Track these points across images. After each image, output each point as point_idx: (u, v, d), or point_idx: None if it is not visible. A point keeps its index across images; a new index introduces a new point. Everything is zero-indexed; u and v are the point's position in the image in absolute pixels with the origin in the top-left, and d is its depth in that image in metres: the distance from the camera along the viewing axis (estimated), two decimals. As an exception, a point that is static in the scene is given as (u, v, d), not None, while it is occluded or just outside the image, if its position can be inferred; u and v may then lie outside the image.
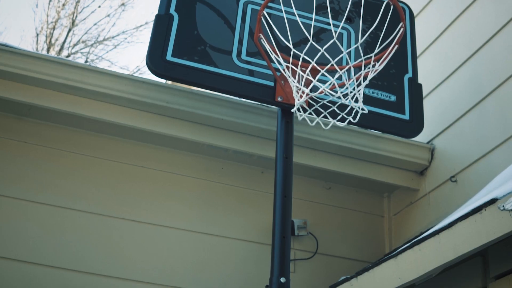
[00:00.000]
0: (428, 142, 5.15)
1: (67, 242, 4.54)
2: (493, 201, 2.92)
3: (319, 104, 4.04)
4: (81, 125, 4.77)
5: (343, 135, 4.95)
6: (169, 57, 4.21)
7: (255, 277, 4.73)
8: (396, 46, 3.98)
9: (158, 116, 4.73)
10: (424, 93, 4.91)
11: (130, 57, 34.37)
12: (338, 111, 3.97)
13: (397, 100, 4.57)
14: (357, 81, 3.95)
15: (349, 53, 4.45)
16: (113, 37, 19.46)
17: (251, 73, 4.32)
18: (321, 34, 4.54)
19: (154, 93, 4.66)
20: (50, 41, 18.29)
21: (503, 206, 2.84)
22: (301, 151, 4.85)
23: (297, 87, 3.89)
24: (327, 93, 3.87)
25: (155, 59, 4.19)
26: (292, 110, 3.97)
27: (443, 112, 5.08)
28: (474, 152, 4.72)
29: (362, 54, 3.88)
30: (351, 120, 3.97)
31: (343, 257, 5.05)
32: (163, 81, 4.97)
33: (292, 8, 4.07)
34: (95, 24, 19.89)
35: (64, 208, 4.61)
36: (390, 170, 5.16)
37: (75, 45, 18.92)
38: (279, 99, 4.15)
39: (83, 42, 19.05)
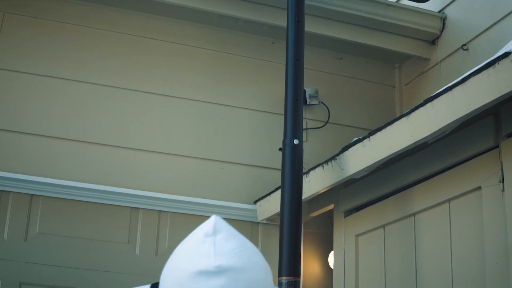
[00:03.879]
0: (439, 11, 5.09)
1: (79, 114, 4.59)
2: (506, 54, 2.90)
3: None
4: (90, -2, 4.75)
5: (355, 4, 4.89)
6: None
7: (268, 144, 4.79)
8: None
9: (167, -14, 4.68)
10: (436, -39, 4.84)
11: None
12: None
13: (409, -36, 4.51)
14: None
15: None
16: None
17: None
18: None
19: (162, -38, 4.60)
20: None
21: (517, 59, 2.83)
22: (313, 20, 4.80)
23: None
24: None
25: None
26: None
27: (455, -20, 5.01)
28: (486, 20, 4.67)
29: None
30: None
31: (354, 126, 5.09)
32: None
33: None
34: None
35: (75, 81, 4.64)
36: (402, 39, 5.12)
37: None
38: (289, -40, 4.08)
39: None
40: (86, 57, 4.69)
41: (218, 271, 1.38)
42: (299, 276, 3.49)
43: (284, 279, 3.45)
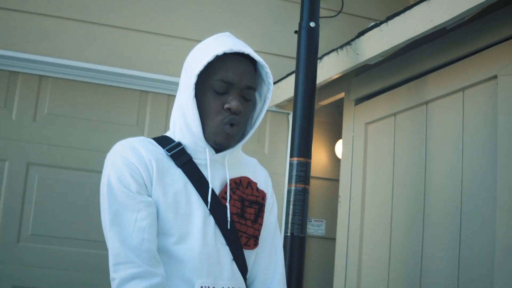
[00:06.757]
0: None
1: None
2: None
3: None
4: None
5: None
6: None
7: (282, 30, 4.75)
8: None
9: None
10: None
11: None
12: None
13: None
14: None
15: None
16: None
17: None
18: None
19: None
20: None
21: None
22: None
23: None
24: None
25: None
26: None
27: None
28: None
29: None
30: None
31: (368, 17, 5.01)
32: None
33: None
34: None
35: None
36: None
37: None
38: None
39: None
40: None
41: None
42: (310, 157, 3.49)
43: (295, 159, 3.46)
